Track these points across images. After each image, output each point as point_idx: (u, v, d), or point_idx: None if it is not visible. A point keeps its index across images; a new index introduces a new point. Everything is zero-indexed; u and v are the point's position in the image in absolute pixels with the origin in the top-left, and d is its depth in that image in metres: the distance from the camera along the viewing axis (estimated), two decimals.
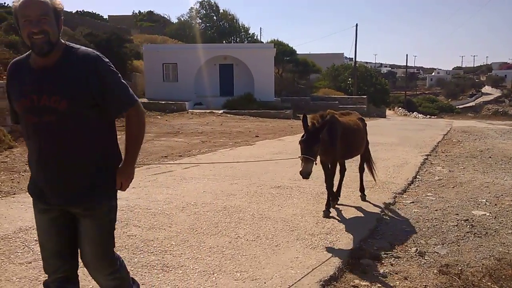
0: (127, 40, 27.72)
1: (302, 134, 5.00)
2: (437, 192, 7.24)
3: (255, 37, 49.01)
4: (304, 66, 38.15)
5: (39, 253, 4.26)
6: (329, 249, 4.47)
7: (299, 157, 4.91)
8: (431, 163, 10.38)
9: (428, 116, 42.83)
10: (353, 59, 42.02)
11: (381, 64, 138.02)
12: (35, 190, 2.48)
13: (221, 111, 24.76)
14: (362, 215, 5.71)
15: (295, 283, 3.67)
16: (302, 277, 3.80)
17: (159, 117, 22.20)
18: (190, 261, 4.10)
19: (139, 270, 3.90)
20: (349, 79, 41.08)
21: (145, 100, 26.17)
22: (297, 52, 38.82)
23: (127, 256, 4.18)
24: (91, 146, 2.39)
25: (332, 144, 5.38)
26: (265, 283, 3.66)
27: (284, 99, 30.26)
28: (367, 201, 6.43)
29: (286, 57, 36.58)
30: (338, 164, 6.02)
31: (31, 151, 2.41)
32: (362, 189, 6.66)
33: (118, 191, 2.58)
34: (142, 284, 3.60)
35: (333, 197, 5.85)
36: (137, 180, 7.58)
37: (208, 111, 24.87)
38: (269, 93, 28.60)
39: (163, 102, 25.11)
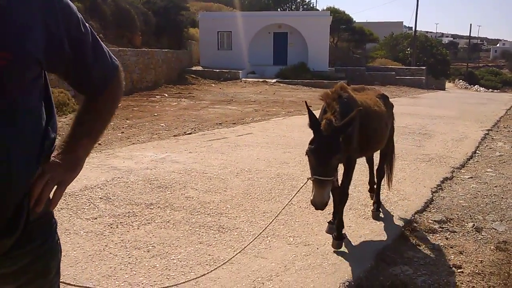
0: (183, 7, 27.90)
1: (311, 138, 3.20)
2: (497, 168, 6.96)
3: (310, 5, 47.85)
4: (361, 35, 37.00)
5: (104, 209, 4.60)
6: (383, 220, 4.46)
7: (308, 178, 3.22)
8: (492, 138, 9.95)
9: (490, 89, 40.62)
10: (413, 28, 40.27)
11: (443, 34, 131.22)
12: None
13: (274, 80, 24.68)
14: (418, 188, 5.61)
15: (347, 250, 3.73)
16: (355, 246, 3.84)
17: (213, 85, 22.47)
18: (244, 224, 4.24)
19: (197, 229, 4.08)
20: (408, 49, 39.47)
21: (199, 68, 26.50)
22: (354, 20, 37.66)
23: (185, 216, 4.39)
24: (32, 129, 1.27)
25: (348, 138, 3.44)
26: (317, 249, 3.74)
27: (338, 69, 29.64)
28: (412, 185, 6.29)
29: (342, 26, 35.58)
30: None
31: None
32: (377, 201, 4.59)
33: None
34: (200, 243, 3.79)
35: (339, 224, 3.80)
36: (194, 145, 7.83)
37: (261, 80, 24.85)
38: (323, 62, 28.09)
39: (217, 70, 25.32)
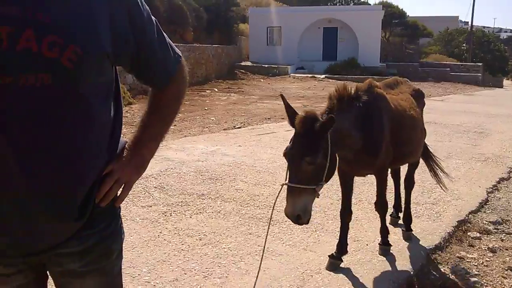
0: (234, 3, 28.17)
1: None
2: None
3: None
4: (414, 30, 35.85)
5: (158, 198, 4.78)
6: (435, 219, 4.38)
7: (281, 184, 2.70)
8: None
9: None
10: (469, 23, 38.65)
11: (501, 29, 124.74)
12: None
13: (323, 76, 24.46)
14: (472, 188, 5.44)
15: (398, 249, 3.69)
16: (406, 244, 3.80)
17: (262, 80, 22.57)
18: None
19: (246, 220, 4.17)
20: (464, 45, 37.91)
21: (249, 63, 26.66)
22: (407, 15, 36.57)
23: (235, 207, 4.49)
24: (99, 131, 1.28)
25: (373, 149, 3.02)
26: (367, 245, 3.73)
27: (390, 64, 28.91)
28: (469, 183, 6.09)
29: (395, 20, 34.61)
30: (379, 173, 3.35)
31: None
32: (408, 219, 3.96)
33: None
34: (249, 234, 3.87)
35: (385, 233, 3.53)
36: (243, 139, 7.95)
37: (309, 75, 24.69)
38: (374, 58, 27.49)
39: (266, 65, 25.38)
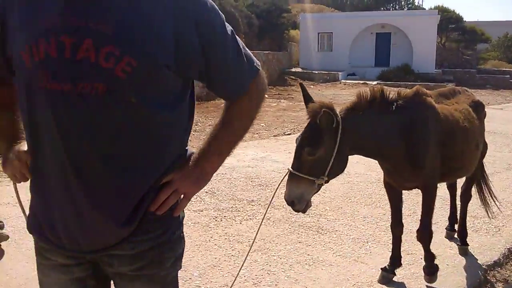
0: (285, 10, 28.27)
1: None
2: None
3: (416, 3, 45.78)
4: (471, 35, 34.47)
5: (209, 203, 4.87)
6: (494, 234, 4.18)
7: (288, 169, 2.67)
8: None
9: None
10: None
11: None
12: (46, 228, 1.32)
13: (375, 82, 23.98)
14: None
15: (454, 264, 3.55)
16: (463, 259, 3.65)
17: (312, 86, 22.44)
18: (344, 227, 4.23)
19: (296, 229, 4.16)
20: None
21: (299, 69, 26.63)
22: (464, 20, 35.27)
23: (285, 215, 4.49)
24: (157, 139, 1.28)
25: (415, 160, 2.85)
26: (421, 258, 3.60)
27: (445, 71, 27.96)
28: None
29: (451, 25, 33.48)
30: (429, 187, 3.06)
31: (40, 154, 1.26)
32: (463, 232, 3.79)
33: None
34: (299, 242, 3.86)
35: (430, 260, 3.20)
36: (293, 146, 7.89)
37: (361, 82, 24.30)
38: (429, 64, 26.68)
39: (316, 72, 25.24)
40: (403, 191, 3.26)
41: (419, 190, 3.10)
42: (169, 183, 1.31)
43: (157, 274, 1.36)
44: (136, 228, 1.27)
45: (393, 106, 2.79)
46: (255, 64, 1.37)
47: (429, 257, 3.16)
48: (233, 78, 1.34)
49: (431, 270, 3.16)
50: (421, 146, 2.84)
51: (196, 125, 10.29)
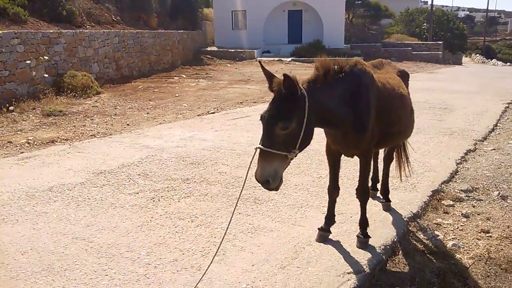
0: None
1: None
2: None
3: None
4: (376, 11, 36.40)
5: (144, 185, 4.85)
6: (411, 190, 4.64)
7: (255, 148, 2.74)
8: None
9: (508, 63, 39.87)
10: (429, 2, 39.55)
11: (459, 7, 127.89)
12: None
13: (289, 59, 24.62)
14: (442, 160, 5.75)
15: (380, 219, 3.91)
16: (387, 214, 4.03)
17: (229, 65, 22.54)
18: (279, 196, 4.44)
19: (234, 201, 4.27)
20: (424, 24, 38.84)
21: (214, 48, 26.53)
22: None
23: (221, 190, 4.61)
24: None
25: (360, 126, 3.03)
26: (351, 217, 3.94)
27: (353, 46, 29.37)
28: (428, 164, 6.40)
29: (357, 1, 35.11)
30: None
31: None
32: (386, 190, 4.15)
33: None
34: (239, 214, 4.01)
35: (364, 228, 3.44)
36: (218, 124, 8.03)
37: (276, 59, 24.81)
38: (339, 40, 27.85)
39: (232, 50, 25.32)
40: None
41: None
42: None
43: None
44: None
45: (342, 75, 2.95)
46: None
47: (365, 221, 3.43)
48: None
49: (364, 233, 3.42)
50: (365, 113, 3.02)
51: (115, 108, 10.01)
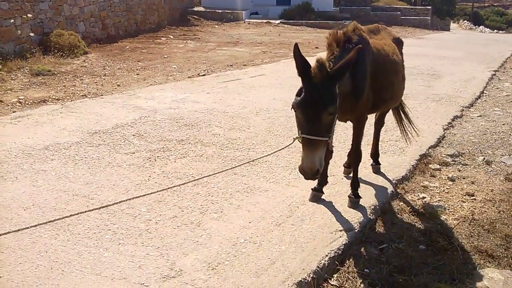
0: None
1: (299, 88, 2.72)
2: (505, 108, 7.26)
3: None
4: None
5: (139, 145, 4.91)
6: (399, 154, 4.80)
7: (295, 138, 2.77)
8: (499, 79, 10.17)
9: (495, 30, 40.01)
10: None
11: None
12: None
13: (278, 21, 24.33)
14: (430, 125, 5.91)
15: (370, 181, 4.07)
16: (376, 177, 4.19)
17: (216, 26, 22.19)
18: (272, 157, 4.56)
19: (229, 162, 4.42)
20: None
21: (201, 8, 26.02)
22: None
23: (216, 151, 4.71)
24: None
25: (357, 92, 3.07)
26: (342, 178, 4.10)
27: (342, 9, 29.12)
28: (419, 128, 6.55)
29: None
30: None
31: None
32: (376, 153, 4.28)
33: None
34: (234, 174, 4.13)
35: (355, 188, 3.55)
36: (209, 86, 8.04)
37: (264, 21, 24.49)
38: (328, 2, 27.56)
39: (220, 10, 24.86)
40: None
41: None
42: None
43: None
44: None
45: (349, 44, 2.95)
46: None
47: (356, 182, 3.57)
48: None
49: (356, 193, 3.54)
50: (361, 79, 3.06)
51: (104, 69, 9.91)
